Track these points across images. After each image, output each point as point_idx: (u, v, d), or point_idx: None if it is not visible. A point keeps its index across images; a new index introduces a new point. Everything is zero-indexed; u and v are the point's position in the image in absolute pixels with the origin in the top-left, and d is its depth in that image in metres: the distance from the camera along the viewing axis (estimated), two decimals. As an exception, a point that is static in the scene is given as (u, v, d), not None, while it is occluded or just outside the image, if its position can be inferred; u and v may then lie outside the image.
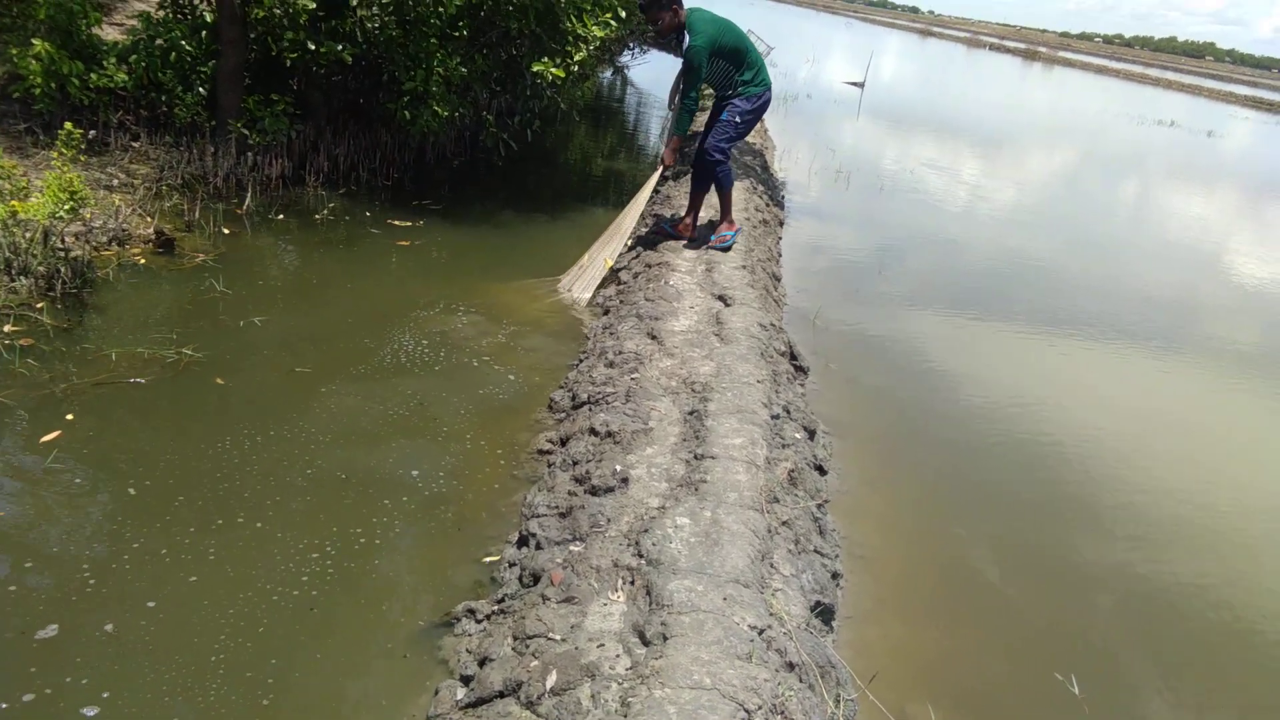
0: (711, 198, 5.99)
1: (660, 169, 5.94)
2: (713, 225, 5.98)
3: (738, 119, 5.50)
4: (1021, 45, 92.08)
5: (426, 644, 2.72)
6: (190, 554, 2.91)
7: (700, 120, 7.26)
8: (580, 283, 5.74)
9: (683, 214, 6.11)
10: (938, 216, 10.46)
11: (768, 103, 5.64)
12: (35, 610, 2.59)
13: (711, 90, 5.69)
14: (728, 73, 5.43)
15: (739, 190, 6.93)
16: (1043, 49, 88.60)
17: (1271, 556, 4.33)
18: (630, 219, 5.96)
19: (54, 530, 2.95)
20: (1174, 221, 13.23)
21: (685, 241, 5.91)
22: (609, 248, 5.90)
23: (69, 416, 3.49)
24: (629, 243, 6.21)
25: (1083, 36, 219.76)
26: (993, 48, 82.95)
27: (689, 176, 6.43)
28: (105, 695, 2.35)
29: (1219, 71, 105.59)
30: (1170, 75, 70.05)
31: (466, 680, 2.48)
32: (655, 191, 7.12)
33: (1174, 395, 6.23)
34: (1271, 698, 3.33)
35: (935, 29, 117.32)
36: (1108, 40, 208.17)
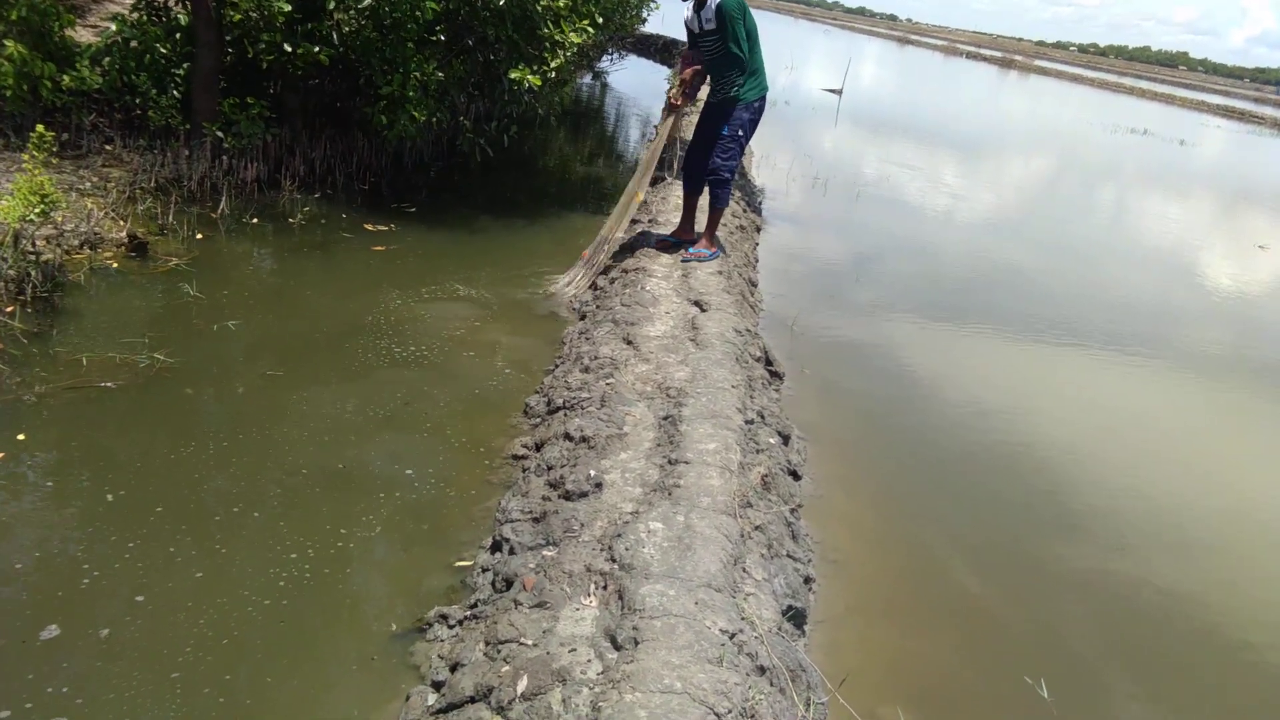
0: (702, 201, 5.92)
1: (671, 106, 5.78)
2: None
3: (740, 132, 5.39)
4: (998, 53, 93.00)
5: (399, 649, 2.72)
6: (164, 561, 2.89)
7: (689, 120, 7.13)
8: (617, 223, 5.85)
9: (677, 226, 6.08)
10: (914, 222, 10.55)
11: (764, 108, 5.50)
12: None
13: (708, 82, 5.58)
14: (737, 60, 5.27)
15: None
16: (1018, 57, 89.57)
17: (1248, 560, 4.39)
18: (653, 157, 5.97)
19: (21, 536, 2.92)
20: (1148, 228, 13.41)
21: (666, 243, 5.90)
22: (641, 183, 5.88)
23: (20, 436, 3.39)
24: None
25: (1058, 45, 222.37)
26: (969, 55, 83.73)
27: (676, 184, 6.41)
28: (79, 701, 2.34)
29: (1191, 81, 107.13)
30: (1144, 84, 70.87)
31: (438, 686, 2.48)
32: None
33: (1149, 399, 6.31)
34: (1246, 702, 3.38)
35: (913, 36, 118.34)
36: (1082, 49, 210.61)
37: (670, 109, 5.76)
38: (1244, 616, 3.85)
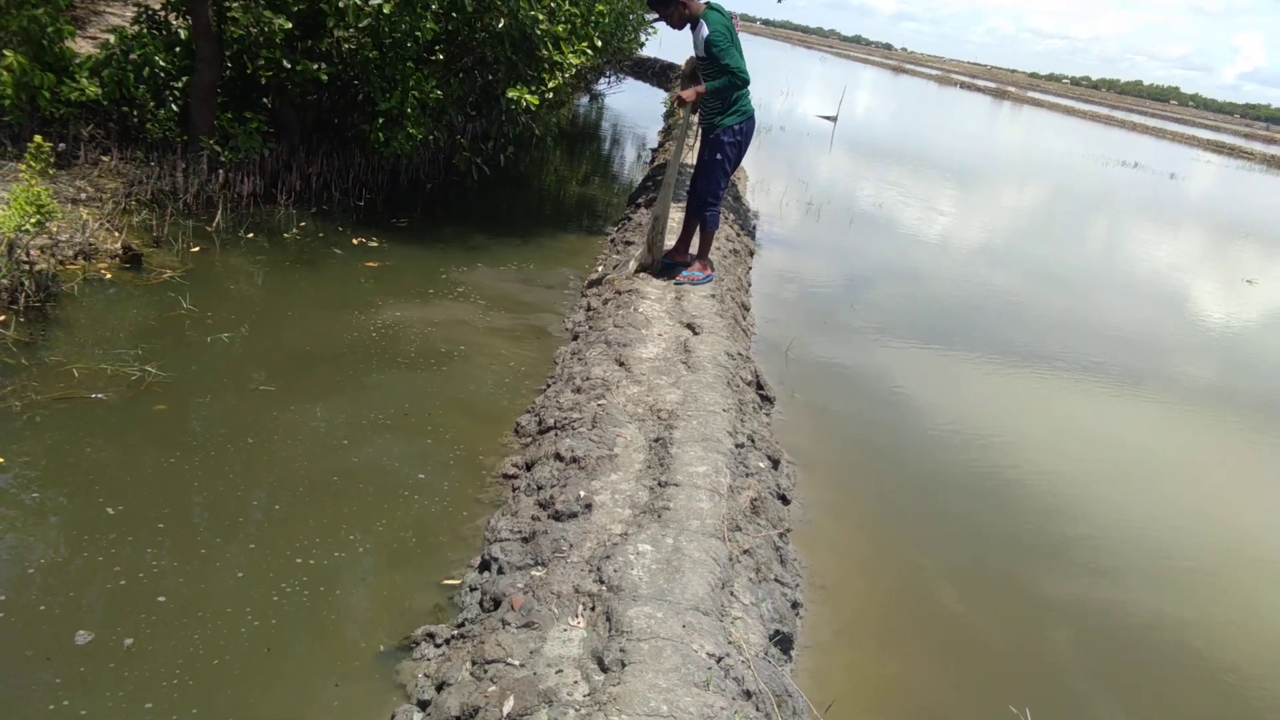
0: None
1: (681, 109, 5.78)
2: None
3: (720, 156, 5.46)
4: (991, 84, 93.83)
5: (385, 668, 2.71)
6: (149, 577, 2.88)
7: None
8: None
9: (672, 248, 6.09)
10: (907, 249, 10.63)
11: (752, 129, 5.57)
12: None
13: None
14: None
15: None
16: (1012, 89, 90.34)
17: (1232, 589, 4.40)
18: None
19: (10, 551, 2.91)
20: (1138, 259, 13.51)
21: (658, 267, 5.91)
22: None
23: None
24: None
25: (1051, 78, 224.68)
26: (963, 86, 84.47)
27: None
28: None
29: (1183, 115, 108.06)
30: (1135, 118, 71.44)
31: (423, 705, 2.47)
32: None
33: (1136, 429, 6.34)
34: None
35: (908, 66, 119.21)
36: (1075, 82, 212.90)
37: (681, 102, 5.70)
38: (1232, 646, 3.86)
